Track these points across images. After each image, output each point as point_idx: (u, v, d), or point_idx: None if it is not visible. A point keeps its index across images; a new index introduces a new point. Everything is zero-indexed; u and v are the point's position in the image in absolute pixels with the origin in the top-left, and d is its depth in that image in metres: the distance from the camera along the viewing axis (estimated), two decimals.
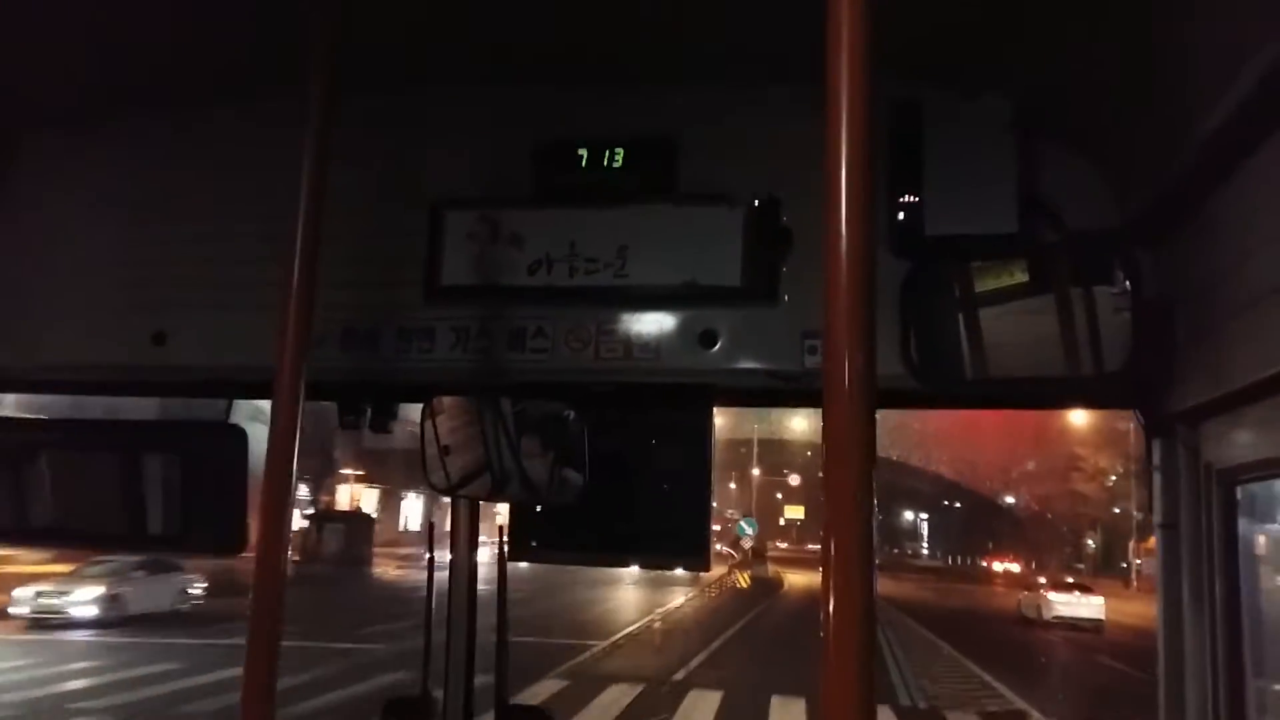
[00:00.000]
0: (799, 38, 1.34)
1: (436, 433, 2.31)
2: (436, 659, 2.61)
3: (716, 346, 2.26)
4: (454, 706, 2.62)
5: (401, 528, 64.71)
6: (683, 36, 2.18)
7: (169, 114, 2.52)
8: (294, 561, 26.67)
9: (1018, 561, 71.19)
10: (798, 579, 55.87)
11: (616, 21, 2.12)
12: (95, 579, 22.64)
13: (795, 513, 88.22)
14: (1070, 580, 41.55)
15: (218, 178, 2.51)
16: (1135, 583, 52.77)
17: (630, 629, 26.97)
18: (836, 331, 1.10)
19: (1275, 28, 1.44)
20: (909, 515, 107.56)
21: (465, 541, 2.73)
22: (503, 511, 2.51)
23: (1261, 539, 1.98)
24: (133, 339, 2.46)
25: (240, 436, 2.45)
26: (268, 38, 2.11)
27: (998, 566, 70.90)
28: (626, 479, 2.37)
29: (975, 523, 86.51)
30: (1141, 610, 34.95)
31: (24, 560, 25.09)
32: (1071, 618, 35.61)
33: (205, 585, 25.46)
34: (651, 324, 2.30)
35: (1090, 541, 67.75)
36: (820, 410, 1.11)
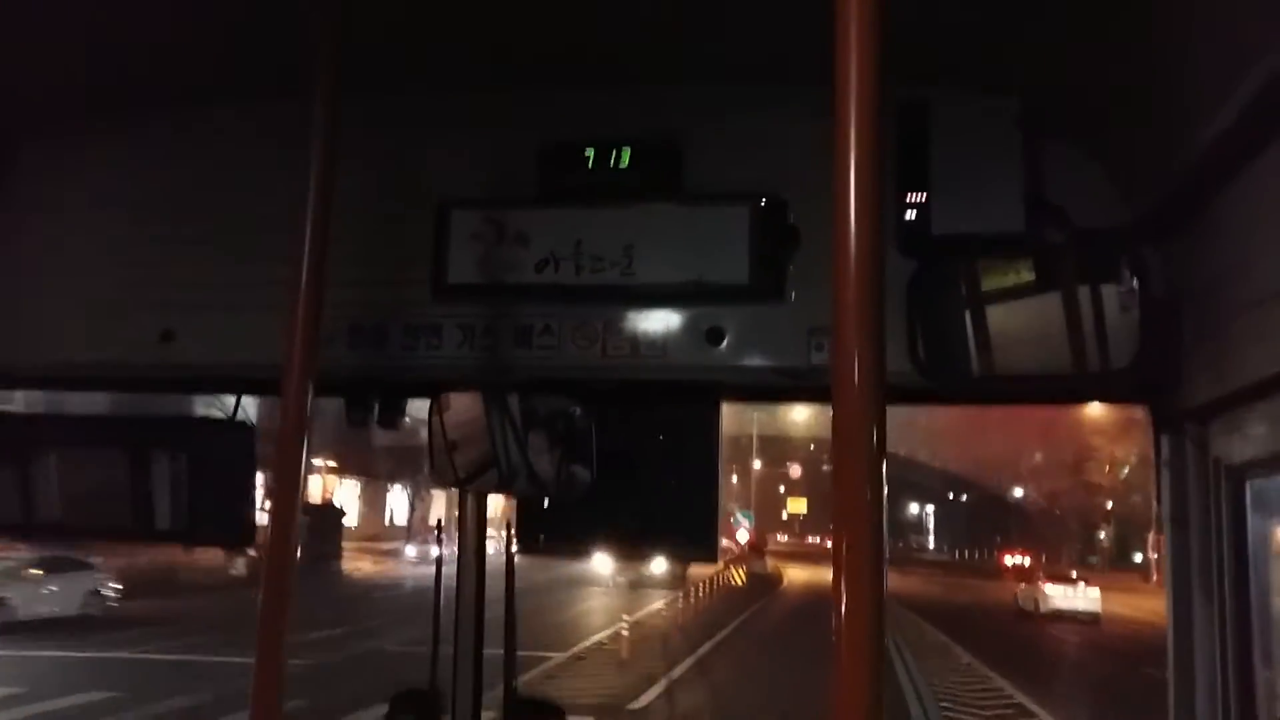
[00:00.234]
0: (803, 38, 1.34)
1: (444, 428, 2.32)
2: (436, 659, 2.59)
3: (723, 344, 2.27)
4: (463, 699, 2.64)
5: (387, 521, 64.02)
6: (685, 36, 2.18)
7: (170, 114, 2.53)
8: (249, 558, 24.63)
9: (1028, 555, 71.02)
10: (798, 574, 55.70)
11: (618, 21, 2.13)
12: None
13: (798, 506, 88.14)
14: (1074, 574, 41.47)
15: (219, 177, 2.51)
16: (1156, 575, 50.75)
17: (598, 636, 25.06)
18: (846, 329, 1.11)
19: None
20: (914, 508, 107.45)
21: (474, 535, 2.75)
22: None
23: (1270, 534, 1.98)
24: (140, 337, 2.47)
25: (248, 432, 2.51)
26: (269, 38, 2.12)
27: (1009, 560, 70.69)
28: (634, 474, 2.38)
29: (983, 516, 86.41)
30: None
31: None
32: (1069, 610, 35.58)
33: (119, 586, 23.09)
34: (658, 321, 2.30)
35: (1103, 535, 67.35)
36: (825, 406, 1.12)
